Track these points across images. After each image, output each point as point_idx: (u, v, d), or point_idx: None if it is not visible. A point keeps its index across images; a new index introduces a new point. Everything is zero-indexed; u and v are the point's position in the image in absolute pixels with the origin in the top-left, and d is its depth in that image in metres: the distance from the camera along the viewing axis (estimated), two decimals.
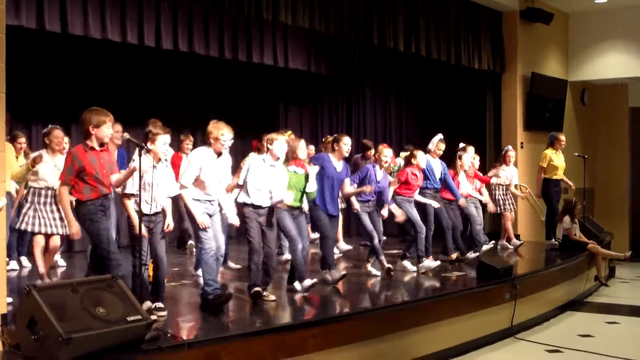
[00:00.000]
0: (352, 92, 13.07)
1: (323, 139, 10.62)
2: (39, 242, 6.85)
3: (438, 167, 8.70)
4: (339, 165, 7.40)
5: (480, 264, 7.84)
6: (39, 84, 9.58)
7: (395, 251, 9.46)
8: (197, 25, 9.56)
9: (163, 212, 5.84)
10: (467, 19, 11.00)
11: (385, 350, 6.07)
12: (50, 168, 6.71)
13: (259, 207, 6.36)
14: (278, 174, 6.47)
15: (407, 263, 8.27)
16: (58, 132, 6.84)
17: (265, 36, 10.64)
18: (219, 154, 6.03)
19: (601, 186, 14.10)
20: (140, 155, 5.41)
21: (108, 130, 5.46)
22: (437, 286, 7.60)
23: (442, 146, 8.78)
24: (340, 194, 7.61)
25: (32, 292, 4.37)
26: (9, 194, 6.57)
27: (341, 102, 13.17)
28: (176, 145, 9.51)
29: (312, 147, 9.82)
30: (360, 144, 11.04)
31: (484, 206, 9.88)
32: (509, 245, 10.37)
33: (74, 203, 5.47)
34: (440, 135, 8.82)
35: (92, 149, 5.40)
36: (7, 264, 8.02)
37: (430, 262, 8.26)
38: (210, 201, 6.04)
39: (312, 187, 6.94)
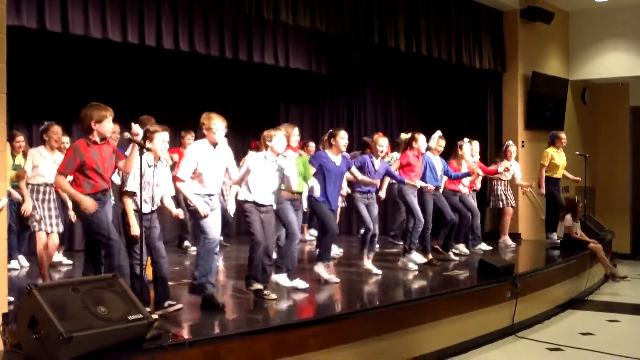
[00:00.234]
0: (353, 92, 13.06)
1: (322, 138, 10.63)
2: (42, 238, 6.84)
3: (439, 164, 8.70)
4: (337, 159, 7.39)
5: (481, 263, 7.84)
6: (39, 84, 9.59)
7: (395, 250, 9.49)
8: (198, 24, 9.56)
9: (159, 210, 5.87)
10: (468, 18, 11.01)
11: (385, 349, 6.08)
12: (50, 164, 6.71)
13: (261, 205, 6.38)
14: (283, 166, 6.50)
15: (414, 256, 8.28)
16: (56, 128, 6.84)
17: (266, 36, 10.64)
18: (215, 144, 6.07)
19: (602, 185, 14.10)
20: (141, 154, 5.41)
21: (109, 124, 5.49)
22: (438, 285, 7.60)
23: (443, 142, 8.78)
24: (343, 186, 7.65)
25: (33, 291, 4.37)
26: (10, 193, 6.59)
27: (342, 101, 13.17)
28: (177, 142, 9.56)
29: (312, 144, 9.79)
30: (360, 142, 11.05)
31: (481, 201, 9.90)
32: (510, 243, 10.38)
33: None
34: (439, 132, 8.81)
35: (95, 143, 5.42)
36: (8, 262, 8.06)
37: (417, 257, 8.24)
38: (209, 195, 6.07)
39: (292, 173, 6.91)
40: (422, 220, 8.20)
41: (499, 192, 10.32)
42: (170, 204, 5.95)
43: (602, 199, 14.05)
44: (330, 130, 7.68)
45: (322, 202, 7.25)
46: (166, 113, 10.03)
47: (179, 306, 5.80)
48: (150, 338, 4.72)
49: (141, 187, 5.40)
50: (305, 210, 7.81)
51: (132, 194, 5.64)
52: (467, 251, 9.30)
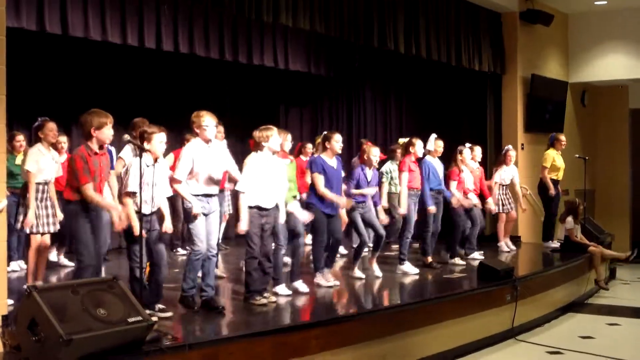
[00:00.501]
0: (353, 94, 13.07)
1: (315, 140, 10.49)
2: (36, 240, 6.78)
3: (440, 167, 8.67)
4: (333, 162, 7.31)
5: (481, 266, 7.84)
6: (39, 86, 9.57)
7: (394, 253, 9.47)
8: (198, 27, 9.55)
9: (159, 212, 5.85)
10: (467, 20, 11.01)
11: (386, 351, 6.07)
12: (49, 162, 6.65)
13: (264, 209, 6.35)
14: (278, 167, 6.50)
15: (406, 267, 8.23)
16: (52, 125, 6.71)
17: (266, 38, 10.63)
18: (208, 142, 6.08)
19: (601, 187, 14.10)
20: (141, 156, 5.41)
21: (109, 131, 5.46)
22: (438, 287, 7.59)
23: (440, 143, 8.72)
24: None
25: (32, 293, 4.37)
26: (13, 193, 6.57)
27: (341, 103, 13.17)
28: (177, 145, 9.52)
29: (309, 146, 9.73)
30: (359, 145, 11.01)
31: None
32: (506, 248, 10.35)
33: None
34: (434, 135, 8.79)
35: (95, 153, 5.41)
36: (8, 264, 8.03)
37: (409, 268, 8.17)
38: (207, 197, 6.05)
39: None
40: (412, 231, 8.17)
41: (498, 197, 10.30)
42: (165, 207, 5.94)
43: (601, 201, 14.05)
44: (325, 132, 7.58)
45: (320, 209, 7.20)
46: (166, 115, 10.02)
47: (169, 314, 5.77)
48: (150, 340, 4.72)
49: (140, 188, 5.39)
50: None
51: (132, 194, 5.63)
52: (462, 263, 9.12)
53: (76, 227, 5.35)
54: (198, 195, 5.99)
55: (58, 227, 6.75)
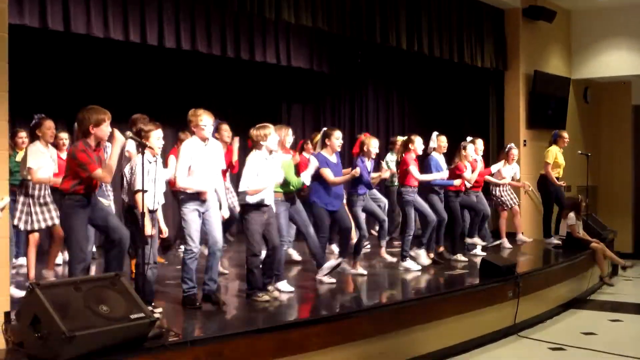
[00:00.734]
0: (355, 91, 13.06)
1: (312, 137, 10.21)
2: (35, 238, 6.76)
3: (444, 164, 8.68)
4: (334, 158, 7.38)
5: (483, 262, 7.83)
6: (41, 83, 9.58)
7: (396, 250, 9.46)
8: (200, 23, 9.55)
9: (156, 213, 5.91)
10: (470, 16, 11.00)
11: (388, 348, 6.07)
12: (47, 159, 6.65)
13: (266, 205, 6.37)
14: (275, 164, 6.52)
15: (408, 263, 8.24)
16: (50, 123, 6.69)
17: (268, 35, 10.62)
18: (205, 140, 6.09)
19: (604, 184, 14.09)
20: (143, 153, 5.43)
21: (107, 128, 5.46)
22: (440, 284, 7.59)
23: (443, 139, 8.72)
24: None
25: (35, 290, 4.38)
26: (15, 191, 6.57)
27: (344, 100, 13.16)
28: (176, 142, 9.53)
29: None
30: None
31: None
32: (525, 239, 10.37)
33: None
34: (436, 132, 8.79)
35: (93, 149, 5.42)
36: (16, 259, 8.04)
37: (411, 264, 8.17)
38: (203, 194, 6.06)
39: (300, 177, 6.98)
40: (413, 228, 8.16)
41: (497, 193, 10.30)
42: (160, 210, 6.02)
43: (604, 198, 14.04)
44: (325, 129, 7.61)
45: (318, 205, 7.22)
46: (168, 111, 10.03)
47: (159, 309, 5.78)
48: (152, 337, 4.72)
49: (143, 185, 5.41)
50: None
51: (145, 191, 5.64)
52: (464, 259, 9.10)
53: (73, 220, 5.34)
54: (193, 194, 6.01)
55: (57, 220, 6.70)
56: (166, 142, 6.59)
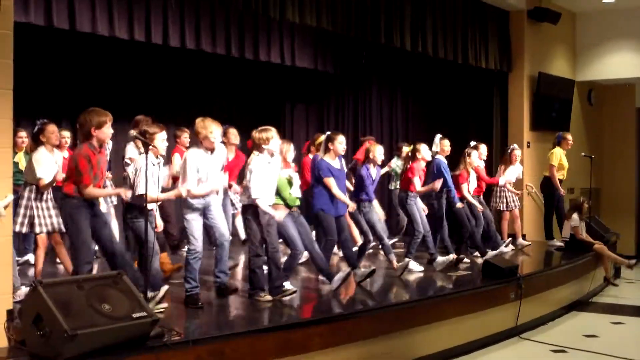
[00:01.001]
0: (359, 91, 13.05)
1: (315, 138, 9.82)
2: (43, 240, 6.73)
3: (447, 166, 8.67)
4: (336, 163, 7.32)
5: (486, 264, 7.83)
6: (46, 81, 9.61)
7: (399, 251, 9.45)
8: (204, 23, 9.56)
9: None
10: (474, 18, 10.99)
11: (390, 349, 6.08)
12: (53, 164, 6.64)
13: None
14: (276, 166, 6.52)
15: (412, 264, 8.22)
16: (52, 127, 6.63)
17: (272, 34, 10.63)
18: (212, 150, 6.12)
19: (607, 186, 14.07)
20: (147, 152, 5.44)
21: (109, 130, 5.45)
22: (442, 285, 7.59)
23: (446, 142, 8.73)
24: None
25: (37, 288, 4.39)
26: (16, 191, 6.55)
27: (348, 101, 13.16)
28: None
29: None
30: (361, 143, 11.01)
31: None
32: (525, 242, 10.37)
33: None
34: (438, 135, 8.77)
35: (98, 151, 5.42)
36: (25, 255, 8.04)
37: (415, 266, 8.13)
38: (204, 195, 6.11)
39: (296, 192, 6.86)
40: (422, 231, 8.11)
41: (499, 194, 10.28)
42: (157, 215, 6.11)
43: (607, 200, 14.02)
44: (328, 133, 7.53)
45: (324, 211, 7.20)
46: (172, 111, 10.07)
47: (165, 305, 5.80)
48: (154, 336, 4.73)
49: (146, 185, 5.43)
50: None
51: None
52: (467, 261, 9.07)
53: (76, 222, 5.35)
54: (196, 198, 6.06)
55: (57, 226, 6.66)
56: (170, 141, 6.61)
